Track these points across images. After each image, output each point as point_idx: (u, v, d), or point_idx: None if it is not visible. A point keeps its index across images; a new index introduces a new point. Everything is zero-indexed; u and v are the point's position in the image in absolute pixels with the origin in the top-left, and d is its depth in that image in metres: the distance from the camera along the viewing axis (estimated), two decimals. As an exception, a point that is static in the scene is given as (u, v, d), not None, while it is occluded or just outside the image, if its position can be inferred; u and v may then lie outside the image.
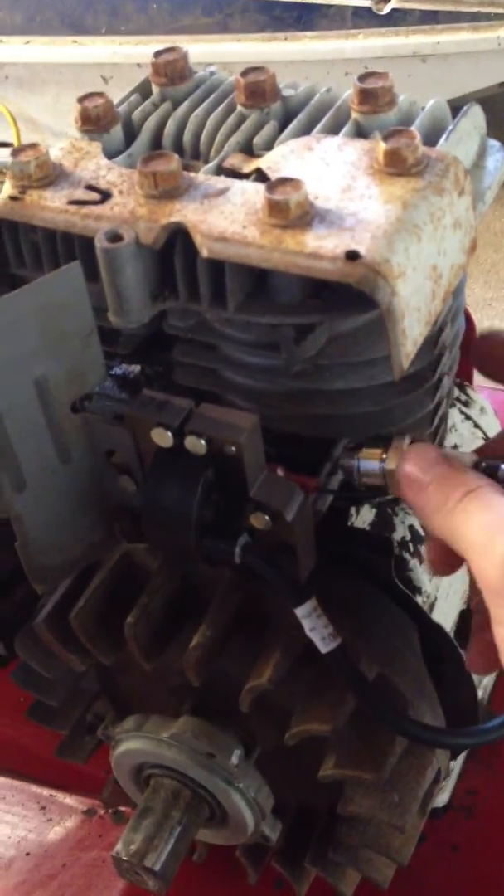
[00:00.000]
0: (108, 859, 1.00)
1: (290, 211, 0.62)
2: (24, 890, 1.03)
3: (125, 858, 0.74)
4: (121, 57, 3.47)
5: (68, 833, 1.07)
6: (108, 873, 1.00)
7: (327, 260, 0.61)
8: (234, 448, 0.65)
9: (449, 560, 0.67)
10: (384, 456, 0.67)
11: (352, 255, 0.60)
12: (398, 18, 3.26)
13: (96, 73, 3.55)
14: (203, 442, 0.65)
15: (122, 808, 1.07)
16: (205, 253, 0.63)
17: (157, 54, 0.79)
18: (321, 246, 0.61)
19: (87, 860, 1.03)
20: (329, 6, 3.30)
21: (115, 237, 0.64)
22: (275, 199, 0.62)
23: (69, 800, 1.10)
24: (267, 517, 0.67)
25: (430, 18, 3.26)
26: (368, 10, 3.26)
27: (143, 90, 0.80)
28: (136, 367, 0.83)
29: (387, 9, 3.25)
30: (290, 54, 3.34)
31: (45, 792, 1.11)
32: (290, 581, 0.66)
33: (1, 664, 0.99)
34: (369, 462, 0.68)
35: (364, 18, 3.29)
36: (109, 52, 3.49)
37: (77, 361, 0.67)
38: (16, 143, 3.27)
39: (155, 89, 0.79)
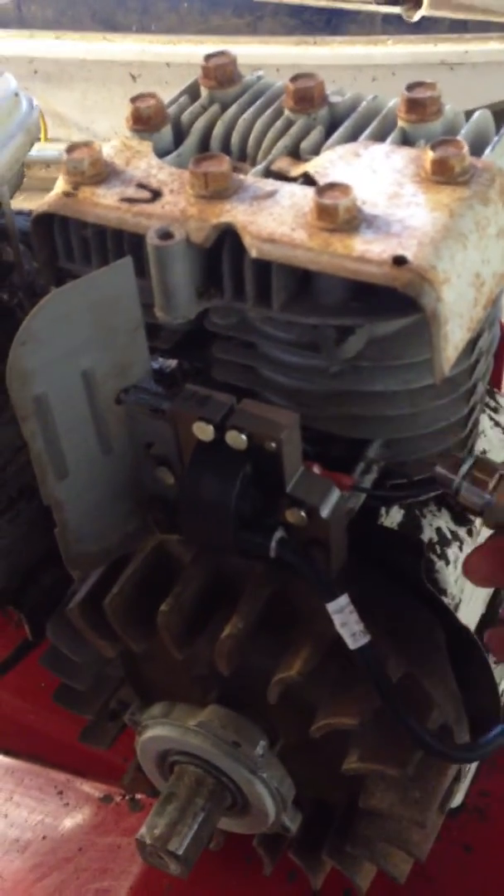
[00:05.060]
0: (124, 845, 1.02)
1: (338, 215, 0.64)
2: (40, 872, 1.04)
3: (149, 842, 0.76)
4: (150, 55, 3.49)
5: (85, 818, 1.09)
6: (124, 859, 1.01)
7: (374, 264, 0.62)
8: (274, 444, 0.66)
9: None
10: (492, 486, 0.67)
11: (399, 261, 0.62)
12: (428, 26, 3.28)
13: (125, 71, 3.57)
14: (244, 437, 0.67)
15: (138, 796, 1.08)
16: (254, 253, 0.65)
17: (208, 58, 0.80)
18: (369, 250, 0.63)
19: (103, 845, 1.04)
20: (359, 12, 3.32)
21: (166, 235, 0.65)
22: (324, 202, 0.64)
23: (86, 786, 1.12)
24: (303, 513, 0.68)
25: (459, 27, 3.27)
26: (398, 17, 3.28)
27: (192, 92, 0.82)
28: (173, 362, 0.84)
29: (417, 16, 3.26)
30: (318, 58, 3.35)
31: (63, 777, 1.13)
32: (323, 576, 0.68)
33: (27, 648, 1.01)
34: (475, 489, 0.67)
35: (393, 25, 3.31)
36: (139, 50, 3.51)
37: (123, 355, 0.68)
38: (42, 139, 3.29)
39: (204, 92, 0.81)
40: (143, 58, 3.52)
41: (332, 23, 3.38)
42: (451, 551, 0.87)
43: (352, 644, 0.68)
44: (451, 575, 0.86)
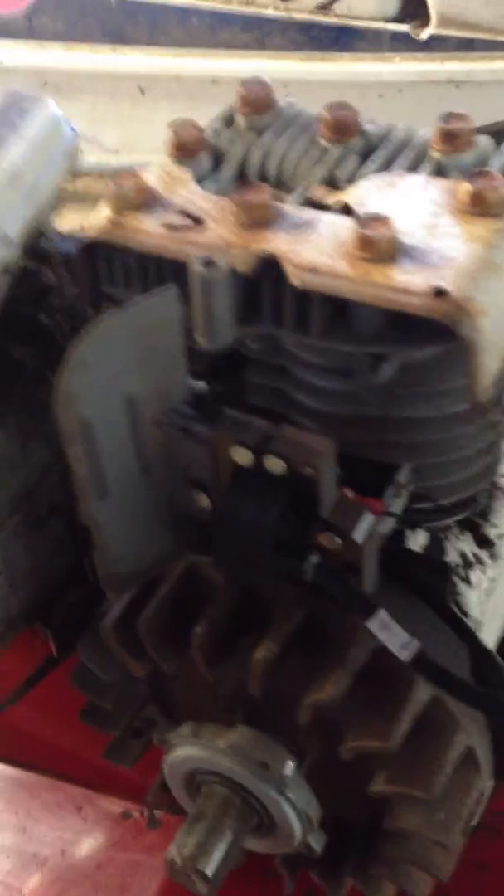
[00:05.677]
0: (144, 862, 1.02)
1: (379, 246, 0.65)
2: (59, 888, 1.05)
3: (179, 861, 0.77)
4: (159, 69, 3.51)
5: (103, 834, 1.09)
6: (143, 875, 1.02)
7: (415, 295, 0.63)
8: (311, 470, 0.68)
9: None
10: None
11: (439, 292, 0.63)
12: (435, 45, 3.30)
13: (134, 84, 3.58)
14: (282, 463, 0.68)
15: (157, 813, 1.09)
16: (296, 283, 0.66)
17: (244, 85, 0.82)
18: (408, 281, 0.64)
19: (122, 862, 1.05)
20: (367, 29, 3.34)
21: (209, 263, 0.67)
22: (366, 234, 0.65)
23: (104, 801, 1.12)
24: (337, 538, 0.69)
25: (466, 46, 3.30)
26: (406, 34, 3.30)
27: (227, 118, 0.83)
28: (202, 384, 0.85)
29: (425, 35, 3.28)
30: (325, 74, 3.37)
31: (81, 792, 1.13)
32: (361, 596, 0.69)
33: (52, 664, 1.02)
34: None
35: (401, 42, 3.33)
36: (148, 64, 3.52)
37: (165, 379, 0.69)
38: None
39: (239, 118, 0.82)
40: (152, 71, 3.54)
41: (341, 40, 3.40)
42: (474, 574, 0.88)
43: (405, 655, 0.69)
44: (474, 598, 0.87)
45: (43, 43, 3.66)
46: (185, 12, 3.49)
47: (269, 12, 3.36)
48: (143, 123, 3.33)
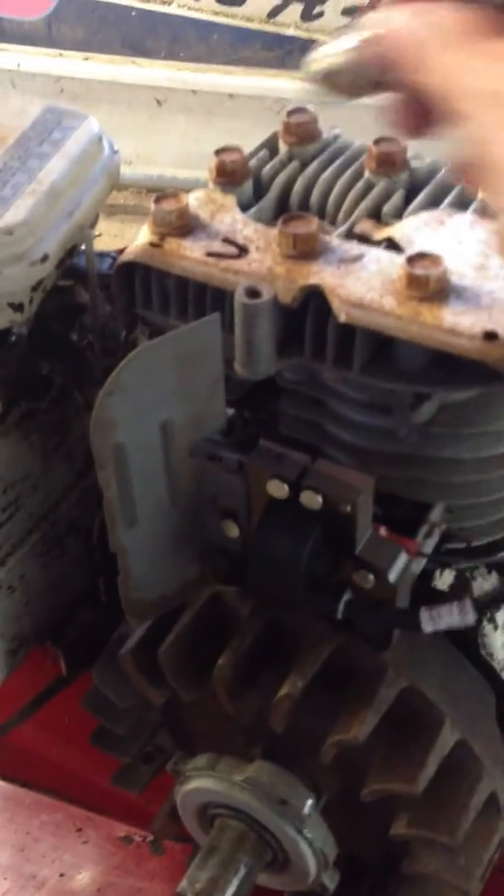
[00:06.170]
0: (145, 889, 1.01)
1: (429, 285, 0.64)
2: (57, 911, 1.03)
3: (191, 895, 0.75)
4: (177, 82, 3.51)
5: (104, 858, 1.07)
6: (145, 903, 1.00)
7: (465, 337, 0.63)
8: (349, 507, 0.67)
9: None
10: None
11: (490, 336, 0.62)
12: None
13: (151, 96, 3.58)
14: (319, 498, 0.67)
15: (160, 840, 1.07)
16: (343, 318, 0.65)
17: (289, 114, 0.81)
18: (459, 322, 0.63)
19: (123, 887, 1.03)
20: (388, 52, 3.35)
21: (253, 293, 0.66)
22: (416, 273, 0.64)
23: (106, 824, 1.11)
24: (371, 576, 0.68)
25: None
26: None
27: (271, 146, 0.83)
28: (231, 411, 0.85)
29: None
30: (344, 95, 3.37)
31: (82, 814, 1.12)
32: (405, 616, 0.68)
33: (60, 684, 1.01)
34: None
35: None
36: (166, 77, 3.52)
37: (202, 408, 0.69)
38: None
39: (283, 147, 0.81)
40: (170, 84, 3.54)
41: (360, 62, 3.40)
42: (500, 615, 0.87)
43: (469, 619, 0.67)
44: (499, 639, 0.86)
45: (62, 52, 3.66)
46: (206, 27, 3.49)
47: (291, 32, 3.36)
48: (160, 135, 3.33)
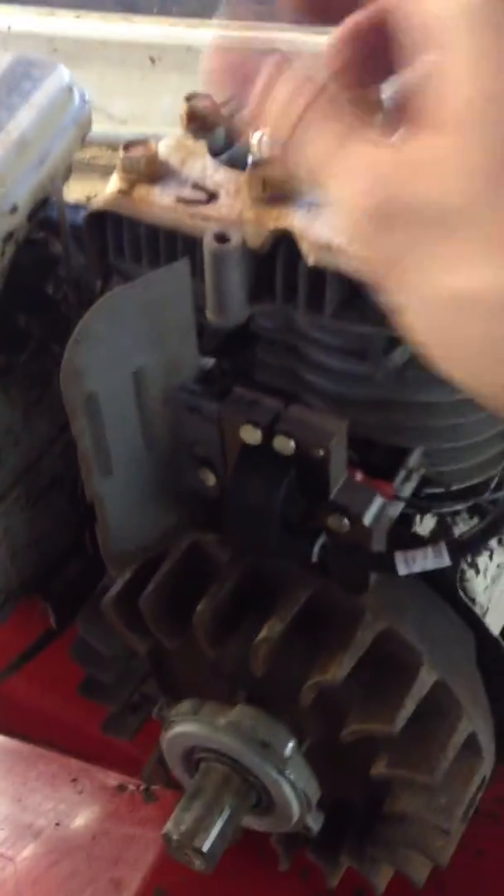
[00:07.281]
0: (138, 835, 1.03)
1: (397, 226, 0.64)
2: (53, 859, 1.05)
3: (175, 837, 0.77)
4: (171, 38, 3.46)
5: (99, 806, 1.09)
6: (138, 849, 1.02)
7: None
8: (321, 451, 0.67)
9: None
10: None
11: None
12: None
13: (144, 54, 3.53)
14: (292, 443, 0.67)
15: (153, 787, 1.09)
16: (311, 261, 0.65)
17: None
18: (426, 263, 0.63)
19: (116, 835, 1.05)
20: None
21: (223, 238, 0.65)
22: (384, 213, 0.64)
23: (100, 774, 1.13)
24: (345, 520, 0.69)
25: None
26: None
27: (244, 91, 0.82)
28: (210, 360, 0.84)
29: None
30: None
31: (77, 764, 1.13)
32: (381, 558, 0.68)
33: (50, 637, 1.02)
34: None
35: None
36: (160, 33, 3.47)
37: (174, 355, 0.69)
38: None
39: (256, 92, 0.80)
40: (164, 41, 3.49)
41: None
42: (482, 560, 0.87)
43: (447, 559, 0.68)
44: (481, 584, 0.86)
45: (54, 10, 3.61)
46: (198, -19, 3.44)
47: (284, -16, 3.30)
48: (153, 94, 3.29)
